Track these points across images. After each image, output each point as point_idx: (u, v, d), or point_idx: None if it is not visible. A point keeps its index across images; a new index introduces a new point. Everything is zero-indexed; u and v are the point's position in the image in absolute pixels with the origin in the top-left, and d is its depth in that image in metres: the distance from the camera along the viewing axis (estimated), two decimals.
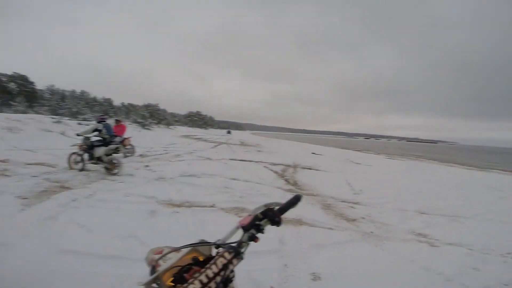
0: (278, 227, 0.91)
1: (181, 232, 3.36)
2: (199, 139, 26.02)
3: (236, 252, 0.82)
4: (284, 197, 5.59)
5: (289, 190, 6.34)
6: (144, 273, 2.26)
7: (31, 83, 47.70)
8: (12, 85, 45.41)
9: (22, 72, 48.22)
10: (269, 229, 0.89)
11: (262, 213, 0.90)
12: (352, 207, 5.41)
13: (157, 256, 1.11)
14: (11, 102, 35.50)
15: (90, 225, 3.33)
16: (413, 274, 2.86)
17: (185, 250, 0.97)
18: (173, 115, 71.98)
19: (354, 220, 4.59)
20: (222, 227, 3.57)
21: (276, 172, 8.59)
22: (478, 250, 3.68)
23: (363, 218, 4.75)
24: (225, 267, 0.78)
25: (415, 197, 6.71)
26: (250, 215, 0.91)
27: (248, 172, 8.19)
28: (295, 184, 7.17)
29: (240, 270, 0.84)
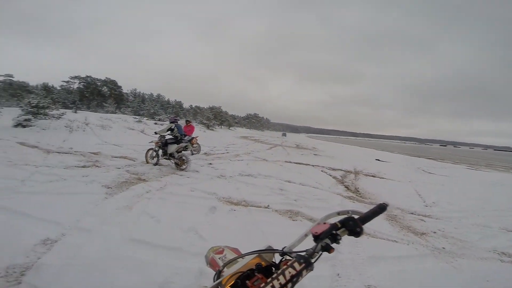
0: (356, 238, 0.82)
1: (237, 231, 3.48)
2: (256, 140, 26.67)
3: (308, 262, 0.74)
4: (343, 204, 5.33)
5: (349, 197, 6.00)
6: (199, 268, 2.42)
7: (119, 87, 56.08)
8: (104, 89, 54.13)
9: (112, 77, 57.15)
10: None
11: (341, 221, 0.82)
12: (422, 220, 4.83)
13: (217, 257, 1.14)
14: (104, 103, 42.30)
15: (159, 216, 3.68)
16: None
17: (249, 257, 0.93)
18: (233, 117, 75.55)
19: (423, 234, 4.09)
20: (275, 229, 3.61)
21: (335, 178, 8.22)
22: None
23: (435, 232, 4.20)
24: (293, 278, 0.71)
25: (503, 213, 5.65)
26: (324, 223, 0.83)
27: (304, 175, 8.04)
28: (356, 191, 6.75)
29: None
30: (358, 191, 6.78)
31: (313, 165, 10.49)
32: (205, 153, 11.24)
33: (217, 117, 43.97)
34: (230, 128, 49.82)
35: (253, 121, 77.86)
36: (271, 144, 22.53)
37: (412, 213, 5.21)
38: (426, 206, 5.88)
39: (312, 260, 0.77)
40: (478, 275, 2.85)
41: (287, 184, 6.56)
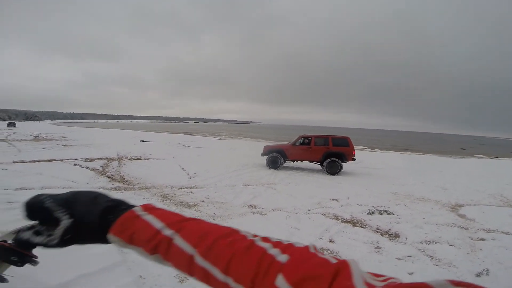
0: None
1: None
2: None
3: None
4: None
5: (116, 188, 5.17)
6: None
7: None
8: None
9: None
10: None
11: None
12: (190, 192, 5.18)
13: None
14: None
15: None
16: None
17: None
18: None
19: (195, 205, 4.40)
20: None
21: (93, 169, 6.79)
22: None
23: (203, 201, 4.62)
24: None
25: (239, 172, 7.49)
26: None
27: (47, 176, 5.87)
28: (122, 179, 5.96)
29: None
30: (125, 178, 6.05)
31: (61, 160, 8.09)
32: None
33: None
34: None
35: None
36: None
37: (181, 188, 5.43)
38: (190, 178, 6.43)
39: None
40: (242, 227, 3.40)
41: (16, 195, 4.40)
